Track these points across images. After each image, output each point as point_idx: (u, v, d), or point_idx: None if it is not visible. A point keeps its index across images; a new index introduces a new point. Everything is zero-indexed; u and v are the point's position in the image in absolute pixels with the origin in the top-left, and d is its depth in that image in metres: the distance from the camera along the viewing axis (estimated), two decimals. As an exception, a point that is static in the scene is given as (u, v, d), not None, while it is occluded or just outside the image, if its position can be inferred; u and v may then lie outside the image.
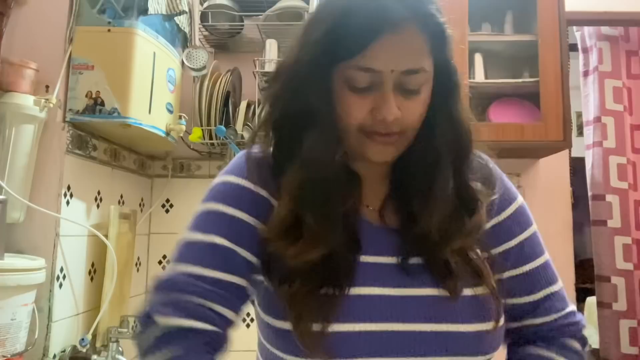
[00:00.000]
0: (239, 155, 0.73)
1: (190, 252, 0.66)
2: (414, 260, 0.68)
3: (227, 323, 0.65)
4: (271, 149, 0.71)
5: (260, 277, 0.69)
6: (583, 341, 0.74)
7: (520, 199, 0.76)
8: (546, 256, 0.76)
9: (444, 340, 0.64)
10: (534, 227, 0.76)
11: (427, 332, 0.64)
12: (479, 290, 0.66)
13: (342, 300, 0.64)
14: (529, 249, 0.74)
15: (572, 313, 0.75)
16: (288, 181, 0.67)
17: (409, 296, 0.66)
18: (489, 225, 0.72)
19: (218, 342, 0.64)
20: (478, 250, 0.70)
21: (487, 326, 0.65)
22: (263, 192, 0.69)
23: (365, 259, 0.68)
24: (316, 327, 0.62)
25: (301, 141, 0.66)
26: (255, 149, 0.72)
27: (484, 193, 0.71)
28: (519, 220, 0.75)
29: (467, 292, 0.66)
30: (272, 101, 0.70)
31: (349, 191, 0.69)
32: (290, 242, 0.64)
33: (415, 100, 0.65)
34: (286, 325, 0.64)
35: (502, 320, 0.67)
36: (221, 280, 0.64)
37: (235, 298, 0.66)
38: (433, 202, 0.67)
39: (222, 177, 0.71)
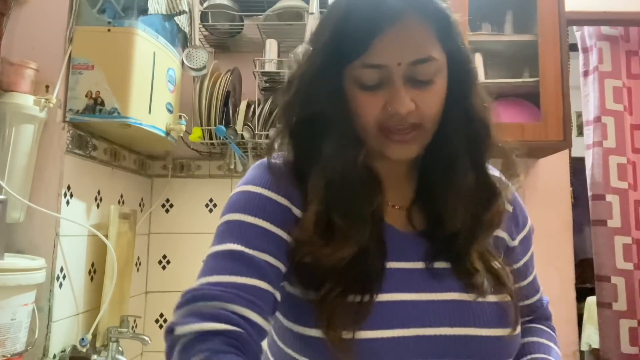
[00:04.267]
0: (256, 166, 0.72)
1: (208, 264, 0.63)
2: (440, 265, 0.68)
3: (253, 326, 0.58)
4: (291, 156, 0.71)
5: (285, 286, 0.68)
6: (551, 318, 0.86)
7: (528, 216, 0.82)
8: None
9: (468, 344, 0.64)
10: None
11: (452, 336, 0.64)
12: (501, 297, 0.67)
13: (370, 307, 0.63)
14: (533, 259, 0.83)
15: (547, 302, 0.86)
16: (314, 185, 0.66)
17: (434, 301, 0.66)
18: (515, 242, 0.78)
19: (244, 342, 0.57)
20: (501, 260, 0.72)
21: (507, 332, 0.66)
22: (283, 201, 0.67)
23: (391, 265, 0.67)
24: (346, 334, 0.61)
25: (320, 145, 0.66)
26: (274, 158, 0.72)
27: (502, 185, 0.71)
28: (531, 236, 0.81)
29: (490, 298, 0.67)
30: (286, 109, 0.70)
31: (372, 191, 0.69)
32: (324, 243, 0.64)
33: (430, 90, 0.64)
34: (314, 332, 0.62)
35: (519, 327, 0.68)
36: (243, 285, 0.60)
37: (261, 301, 0.60)
38: (456, 198, 0.67)
39: (240, 188, 0.69)
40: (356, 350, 0.61)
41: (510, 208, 0.77)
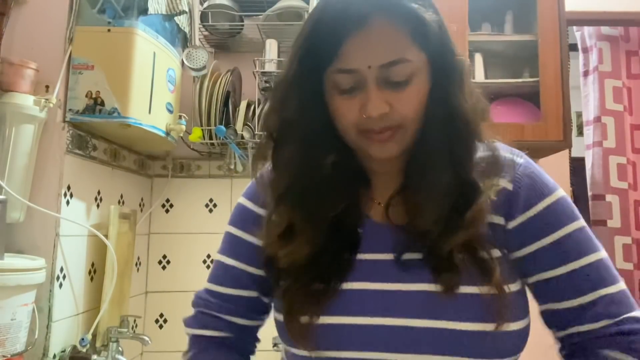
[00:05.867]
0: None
1: (213, 269, 0.80)
2: (413, 256, 0.67)
3: (237, 328, 0.77)
4: (271, 161, 0.73)
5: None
6: (637, 354, 0.62)
7: (558, 194, 0.69)
8: (599, 255, 0.67)
9: (440, 337, 0.62)
10: (576, 224, 0.67)
11: (420, 327, 0.62)
12: (485, 290, 0.63)
13: (331, 294, 0.66)
14: (570, 248, 0.66)
15: (632, 319, 0.64)
16: (275, 187, 0.70)
17: (403, 291, 0.65)
18: (514, 223, 0.68)
19: (227, 343, 0.77)
20: (495, 250, 0.66)
21: (488, 327, 0.62)
22: (259, 210, 0.76)
23: (362, 256, 0.69)
24: (304, 319, 0.65)
25: (291, 149, 0.69)
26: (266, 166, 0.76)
27: (487, 184, 0.66)
28: (555, 216, 0.67)
29: (471, 289, 0.63)
30: (266, 115, 0.72)
31: (348, 191, 0.71)
32: (283, 244, 0.68)
33: (406, 91, 0.63)
34: (281, 317, 0.69)
35: (515, 324, 0.64)
36: (229, 295, 0.77)
37: (243, 307, 0.77)
38: (429, 196, 0.66)
39: (239, 198, 0.80)
40: (314, 335, 0.65)
41: (510, 186, 0.68)
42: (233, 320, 0.77)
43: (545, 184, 0.70)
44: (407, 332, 0.63)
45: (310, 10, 1.67)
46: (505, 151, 0.71)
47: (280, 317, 0.69)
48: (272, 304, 0.77)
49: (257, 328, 0.81)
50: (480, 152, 0.68)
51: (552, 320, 0.69)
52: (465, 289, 0.63)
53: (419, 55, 0.64)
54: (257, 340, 0.82)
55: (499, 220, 0.69)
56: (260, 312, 0.79)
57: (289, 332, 0.66)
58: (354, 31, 0.61)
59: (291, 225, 0.68)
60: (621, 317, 0.64)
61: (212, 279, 0.79)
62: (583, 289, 0.66)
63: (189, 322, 0.79)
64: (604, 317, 0.64)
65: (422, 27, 0.63)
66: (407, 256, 0.67)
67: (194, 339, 0.78)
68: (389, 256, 0.68)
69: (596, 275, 0.66)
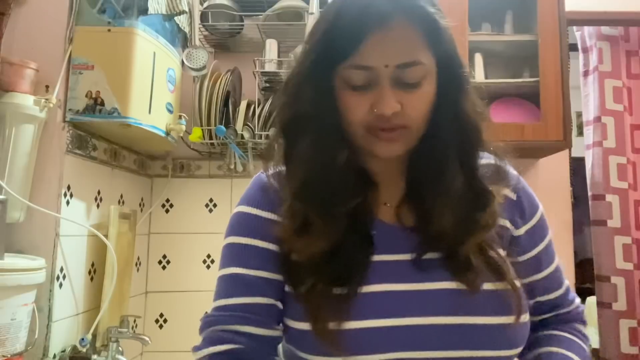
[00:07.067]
0: (252, 181, 0.78)
1: (218, 287, 0.74)
2: (430, 256, 0.69)
3: (251, 337, 0.69)
4: (282, 157, 0.73)
5: (285, 287, 0.73)
6: (584, 324, 0.84)
7: (540, 205, 0.81)
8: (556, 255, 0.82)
9: (465, 333, 0.64)
10: (550, 231, 0.81)
11: (447, 325, 0.64)
12: (500, 286, 0.67)
13: (355, 298, 0.66)
14: (551, 251, 0.81)
15: (579, 304, 0.84)
16: (291, 180, 0.70)
17: (426, 290, 0.66)
18: (521, 231, 0.76)
19: (242, 354, 0.68)
20: (500, 250, 0.71)
21: (508, 320, 0.65)
22: (270, 215, 0.73)
23: (378, 257, 0.69)
24: (332, 325, 0.64)
25: (305, 143, 0.69)
26: (271, 169, 0.75)
27: (495, 186, 0.72)
28: (543, 226, 0.79)
29: (488, 286, 0.66)
30: (280, 110, 0.72)
31: (358, 190, 0.71)
32: (297, 237, 0.68)
33: (416, 93, 0.65)
34: (304, 325, 0.66)
35: (525, 316, 0.67)
36: (244, 304, 0.70)
37: (258, 315, 0.70)
38: (444, 200, 0.68)
39: (236, 209, 0.77)
40: (343, 340, 0.64)
41: (513, 195, 0.77)
42: (248, 330, 0.69)
43: (534, 196, 0.81)
44: (432, 330, 0.64)
45: (309, 9, 1.67)
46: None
47: (304, 326, 0.66)
48: (284, 314, 0.72)
49: (274, 340, 0.72)
50: (483, 159, 0.72)
51: (539, 309, 0.81)
52: (483, 286, 0.67)
53: (431, 60, 0.66)
54: (276, 353, 0.75)
55: (506, 224, 0.75)
56: (278, 321, 0.72)
57: (320, 340, 0.64)
58: (375, 29, 0.62)
59: (307, 219, 0.68)
60: (577, 302, 0.84)
61: (220, 295, 0.72)
62: (560, 282, 0.82)
63: (198, 347, 0.71)
64: (571, 304, 0.83)
65: (437, 32, 0.65)
66: (424, 256, 0.69)
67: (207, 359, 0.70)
68: (405, 257, 0.69)
69: (561, 270, 0.83)
